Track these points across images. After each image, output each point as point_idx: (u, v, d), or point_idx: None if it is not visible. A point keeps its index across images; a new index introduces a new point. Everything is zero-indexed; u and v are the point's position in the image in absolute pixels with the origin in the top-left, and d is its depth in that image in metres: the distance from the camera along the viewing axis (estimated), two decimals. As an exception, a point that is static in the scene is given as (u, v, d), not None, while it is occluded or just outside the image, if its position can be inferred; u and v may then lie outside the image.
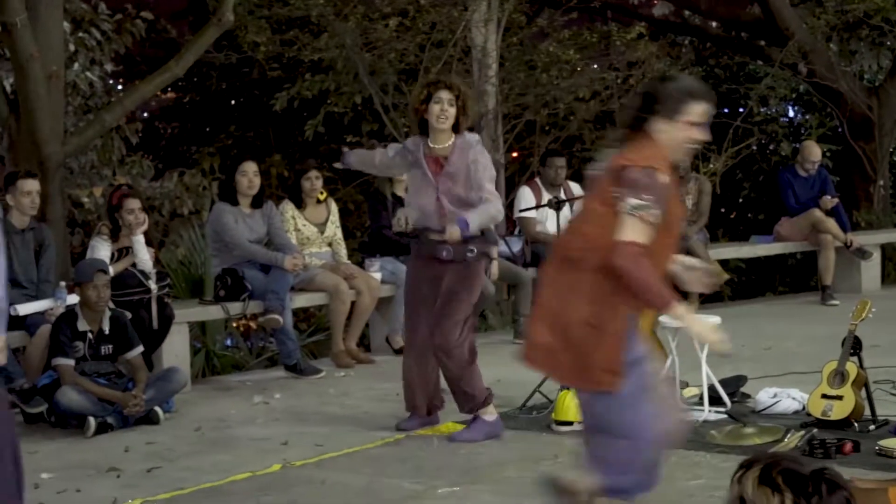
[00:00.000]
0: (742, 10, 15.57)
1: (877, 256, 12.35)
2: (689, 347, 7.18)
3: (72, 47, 11.59)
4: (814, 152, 12.05)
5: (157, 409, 7.42)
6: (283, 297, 8.73)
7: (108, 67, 12.81)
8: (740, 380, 7.60)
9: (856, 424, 6.61)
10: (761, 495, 2.69)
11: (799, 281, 15.05)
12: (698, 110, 4.55)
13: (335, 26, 12.78)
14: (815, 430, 6.40)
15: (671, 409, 4.70)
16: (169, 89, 17.24)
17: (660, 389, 4.67)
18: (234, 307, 8.76)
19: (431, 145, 6.84)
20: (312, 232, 9.34)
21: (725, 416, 7.00)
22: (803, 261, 14.64)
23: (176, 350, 8.39)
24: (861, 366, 6.77)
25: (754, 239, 12.78)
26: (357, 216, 15.25)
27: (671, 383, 4.61)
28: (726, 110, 16.31)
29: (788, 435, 6.40)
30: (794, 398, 7.15)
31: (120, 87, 16.50)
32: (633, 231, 4.39)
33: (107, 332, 7.47)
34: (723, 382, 7.29)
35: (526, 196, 10.32)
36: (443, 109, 6.74)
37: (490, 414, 6.90)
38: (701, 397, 7.14)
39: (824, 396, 6.69)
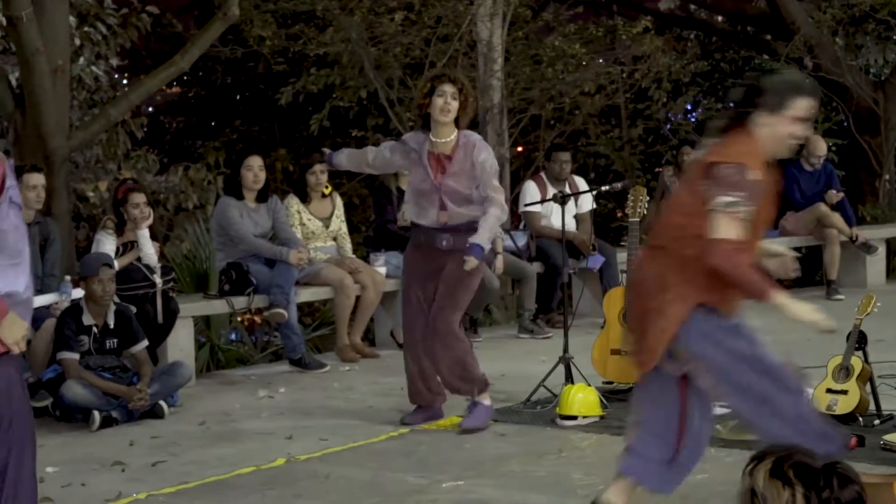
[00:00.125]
0: (748, 5, 15.55)
1: (882, 251, 12.33)
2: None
3: (77, 42, 11.58)
4: (819, 146, 12.02)
5: (162, 403, 7.43)
6: (288, 291, 8.73)
7: (114, 62, 12.80)
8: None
9: (860, 419, 6.60)
10: (772, 488, 2.69)
11: (804, 275, 14.96)
12: (804, 105, 4.51)
13: (341, 20, 12.78)
14: (819, 425, 6.39)
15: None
16: (174, 84, 17.26)
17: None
18: (239, 301, 8.76)
19: (433, 139, 6.84)
20: (317, 226, 9.34)
21: (730, 410, 6.98)
22: (808, 255, 14.56)
23: (181, 344, 8.40)
24: (866, 360, 6.76)
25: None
26: (362, 210, 15.25)
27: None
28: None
29: (793, 429, 6.39)
30: (798, 393, 7.13)
31: (125, 81, 16.50)
32: (725, 228, 4.37)
33: (112, 326, 7.47)
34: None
35: (531, 190, 10.31)
36: (446, 102, 6.76)
37: (487, 399, 6.98)
38: (706, 392, 7.13)
39: (829, 391, 6.68)
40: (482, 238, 6.76)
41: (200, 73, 18.10)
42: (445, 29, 12.69)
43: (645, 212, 7.99)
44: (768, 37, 15.36)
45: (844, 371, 6.70)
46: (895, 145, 14.53)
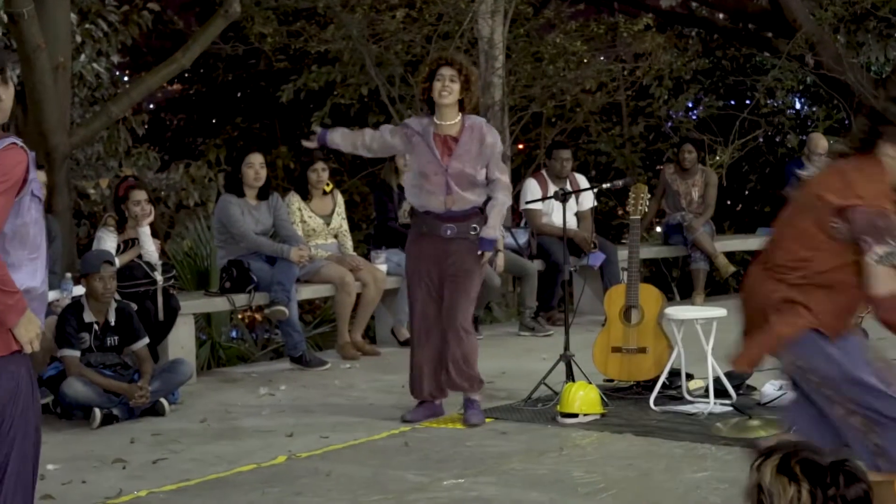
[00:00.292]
0: (749, 2, 15.53)
1: (883, 249, 12.30)
2: (695, 339, 7.18)
3: (78, 38, 11.58)
4: (820, 144, 12.02)
5: (163, 400, 7.43)
6: (289, 288, 8.73)
7: (115, 59, 12.80)
8: (746, 372, 7.59)
9: (861, 417, 6.59)
10: (778, 484, 2.69)
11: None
12: None
13: (342, 17, 12.77)
14: (820, 423, 6.39)
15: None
16: (175, 81, 17.24)
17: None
18: (240, 299, 8.76)
19: (438, 122, 6.85)
20: (318, 224, 9.34)
21: (731, 408, 7.00)
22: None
23: (181, 342, 8.40)
24: (867, 358, 6.75)
25: (761, 231, 12.75)
26: (363, 208, 15.25)
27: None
28: (733, 102, 16.31)
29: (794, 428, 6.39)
30: (799, 391, 7.13)
31: (126, 78, 16.51)
32: (887, 282, 4.22)
33: (112, 323, 7.47)
34: (728, 375, 7.28)
35: (532, 188, 10.31)
36: (444, 85, 6.78)
37: (479, 396, 7.07)
38: (706, 390, 7.14)
39: (830, 389, 6.67)
40: (492, 230, 6.86)
41: (201, 71, 18.09)
42: (447, 26, 12.69)
43: (646, 209, 7.99)
44: (769, 34, 15.34)
45: (845, 369, 6.69)
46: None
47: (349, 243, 9.54)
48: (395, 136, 7.01)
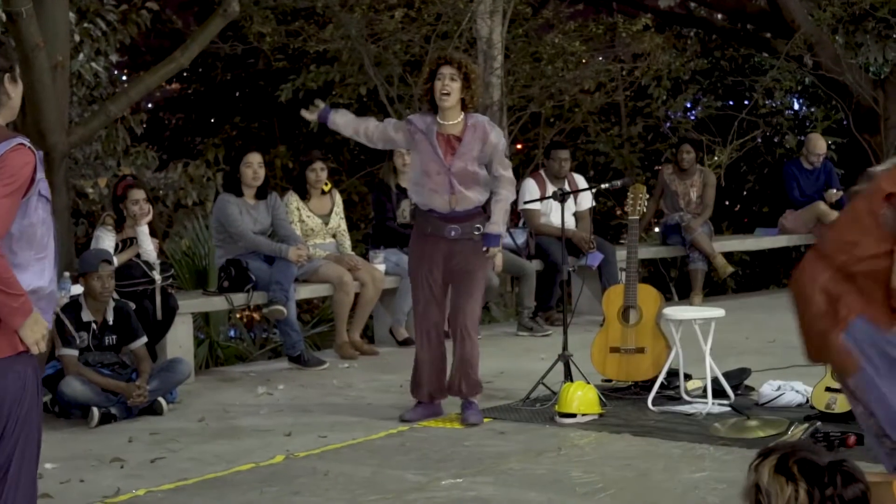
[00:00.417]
0: (748, 2, 15.54)
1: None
2: (693, 340, 7.18)
3: (77, 37, 11.56)
4: (819, 145, 12.02)
5: (161, 399, 7.43)
6: (288, 288, 8.73)
7: (114, 58, 12.78)
8: (744, 372, 7.60)
9: (859, 418, 6.60)
10: (776, 484, 2.69)
11: (803, 274, 15.00)
12: None
13: (341, 17, 12.77)
14: (818, 423, 6.40)
15: None
16: (174, 80, 17.24)
17: None
18: (238, 298, 8.76)
19: (440, 121, 6.85)
20: (317, 223, 9.34)
21: (729, 408, 7.00)
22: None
23: (180, 341, 8.40)
24: (865, 359, 6.75)
25: (759, 231, 12.77)
26: (361, 207, 15.25)
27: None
28: (731, 103, 16.31)
29: (792, 428, 6.40)
30: (797, 391, 7.15)
31: (125, 77, 16.50)
32: None
33: (111, 322, 7.47)
34: (727, 375, 7.29)
35: (530, 188, 10.31)
36: (444, 85, 6.78)
37: (478, 396, 7.10)
38: (705, 390, 7.14)
39: (828, 389, 6.68)
40: (496, 225, 6.90)
41: (200, 70, 18.08)
42: (445, 26, 12.68)
43: (644, 209, 7.99)
44: (768, 35, 15.35)
45: (844, 370, 6.69)
46: (895, 144, 14.52)
47: (347, 243, 9.54)
48: (399, 131, 7.01)
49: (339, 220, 9.49)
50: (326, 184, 9.46)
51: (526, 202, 10.12)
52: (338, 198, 9.60)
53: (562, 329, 7.60)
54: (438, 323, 7.01)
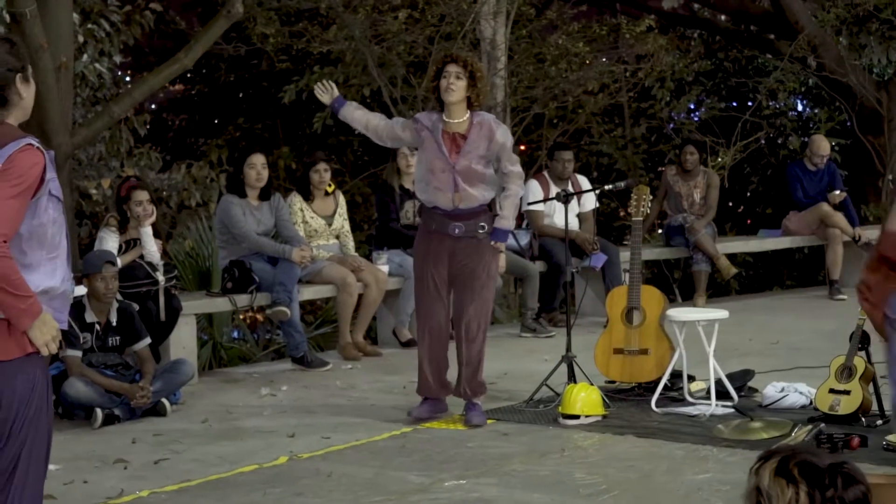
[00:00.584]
0: (751, 3, 15.54)
1: (885, 251, 12.29)
2: (697, 341, 7.18)
3: (81, 38, 11.58)
4: (822, 146, 12.01)
5: (165, 400, 7.43)
6: (291, 289, 8.74)
7: (117, 59, 12.80)
8: (748, 374, 7.59)
9: (863, 419, 6.60)
10: (776, 486, 2.69)
11: (807, 275, 15.03)
12: None
13: (344, 18, 12.77)
14: (822, 425, 6.40)
15: None
16: (177, 81, 17.23)
17: None
18: (242, 299, 8.76)
19: (446, 119, 6.86)
20: (320, 224, 9.34)
21: (733, 410, 6.99)
22: (811, 255, 14.62)
23: (183, 342, 8.40)
24: (869, 360, 6.76)
25: (762, 233, 12.76)
26: (365, 209, 15.25)
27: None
28: (735, 104, 16.31)
29: (796, 429, 6.40)
30: (801, 393, 7.14)
31: (128, 78, 16.51)
32: None
33: (114, 323, 7.48)
34: (730, 377, 7.28)
35: (534, 189, 10.30)
36: (449, 83, 6.79)
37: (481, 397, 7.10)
38: (708, 391, 7.14)
39: (832, 391, 6.68)
40: (506, 220, 6.93)
41: (204, 71, 18.08)
42: (449, 27, 12.68)
43: (648, 211, 7.99)
44: (772, 36, 15.35)
45: (847, 371, 6.70)
46: (898, 145, 14.52)
47: (351, 244, 9.55)
48: (406, 129, 7.03)
49: (342, 222, 9.50)
50: (330, 185, 9.46)
51: (529, 203, 10.11)
52: (341, 199, 9.60)
53: (565, 330, 7.60)
54: (441, 320, 7.00)
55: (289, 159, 15.83)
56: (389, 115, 13.05)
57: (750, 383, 7.52)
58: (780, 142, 16.17)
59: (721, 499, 5.42)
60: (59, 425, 7.15)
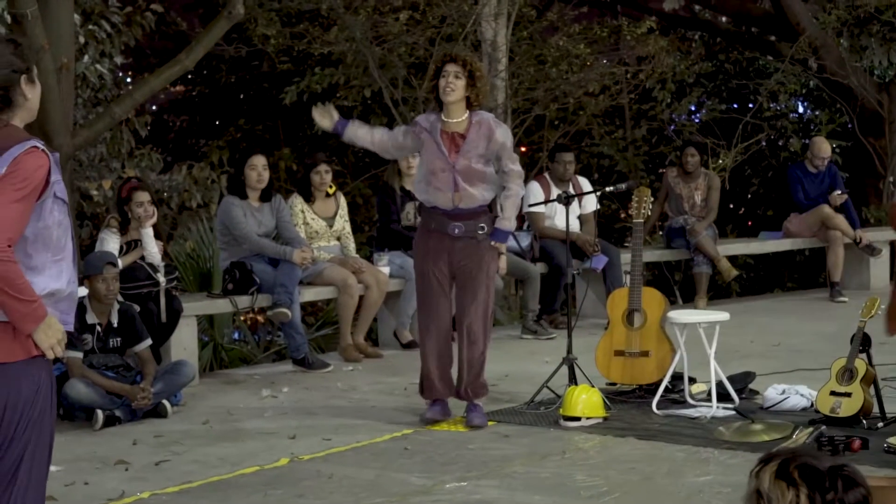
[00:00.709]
0: (752, 5, 15.55)
1: (886, 253, 12.31)
2: (698, 343, 7.18)
3: (82, 39, 11.58)
4: (823, 148, 12.01)
5: (165, 402, 7.43)
6: (292, 290, 8.74)
7: (118, 60, 12.81)
8: (749, 376, 7.59)
9: (864, 421, 6.60)
10: (776, 489, 2.69)
11: (807, 277, 15.03)
12: None
13: (345, 20, 12.77)
14: (823, 427, 6.40)
15: None
16: (178, 82, 17.24)
17: None
18: (243, 301, 8.76)
19: (445, 119, 6.86)
20: (321, 226, 9.34)
21: (734, 412, 6.99)
22: (812, 257, 14.61)
23: (184, 343, 8.40)
24: (870, 363, 6.76)
25: (763, 235, 12.76)
26: (366, 210, 15.26)
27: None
28: (736, 106, 16.31)
29: (797, 432, 6.40)
30: (802, 395, 7.14)
31: (129, 79, 16.52)
32: None
33: (115, 324, 7.48)
34: (731, 379, 7.28)
35: (535, 191, 10.31)
36: (448, 82, 6.79)
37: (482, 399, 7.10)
38: (709, 393, 7.14)
39: (833, 393, 6.68)
40: (507, 221, 6.93)
41: (205, 72, 18.09)
42: (450, 28, 12.69)
43: (648, 213, 7.99)
44: (773, 38, 15.36)
45: (848, 373, 6.70)
46: (899, 147, 14.52)
47: (352, 245, 9.55)
48: (407, 136, 7.04)
49: (343, 223, 9.50)
50: (331, 186, 9.46)
51: (530, 205, 10.12)
52: (342, 200, 9.60)
53: (566, 332, 7.60)
54: (446, 315, 6.99)
55: (290, 160, 15.83)
56: (391, 117, 13.17)
57: (751, 385, 7.52)
58: (780, 144, 16.17)
59: (722, 501, 5.42)
60: (60, 426, 7.13)
